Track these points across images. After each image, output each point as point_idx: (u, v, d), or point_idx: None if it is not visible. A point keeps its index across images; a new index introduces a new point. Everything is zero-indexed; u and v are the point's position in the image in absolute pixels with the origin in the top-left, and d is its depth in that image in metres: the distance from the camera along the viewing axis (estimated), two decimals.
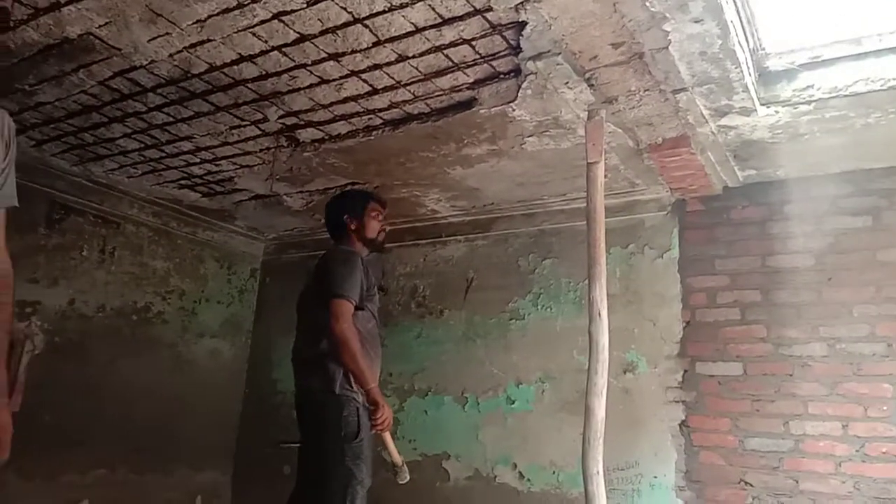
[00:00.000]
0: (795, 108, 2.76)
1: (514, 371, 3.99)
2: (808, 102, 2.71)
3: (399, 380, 4.35)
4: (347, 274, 2.86)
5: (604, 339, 2.32)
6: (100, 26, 2.47)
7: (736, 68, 2.44)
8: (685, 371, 3.44)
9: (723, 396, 3.32)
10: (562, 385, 3.77)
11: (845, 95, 2.64)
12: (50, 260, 4.03)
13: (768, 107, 2.76)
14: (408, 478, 2.91)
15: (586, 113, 2.69)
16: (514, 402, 3.94)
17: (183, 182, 4.16)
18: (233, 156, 3.66)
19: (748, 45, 2.55)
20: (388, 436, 2.87)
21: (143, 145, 3.59)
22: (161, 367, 4.59)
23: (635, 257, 3.75)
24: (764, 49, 2.70)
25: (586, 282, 2.52)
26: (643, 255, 3.73)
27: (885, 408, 2.98)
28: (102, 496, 4.14)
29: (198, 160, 3.76)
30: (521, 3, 2.13)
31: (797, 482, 3.08)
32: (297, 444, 2.98)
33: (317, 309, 2.91)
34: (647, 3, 2.07)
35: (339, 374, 2.80)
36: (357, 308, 2.85)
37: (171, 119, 3.24)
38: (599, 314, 2.33)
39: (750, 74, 2.59)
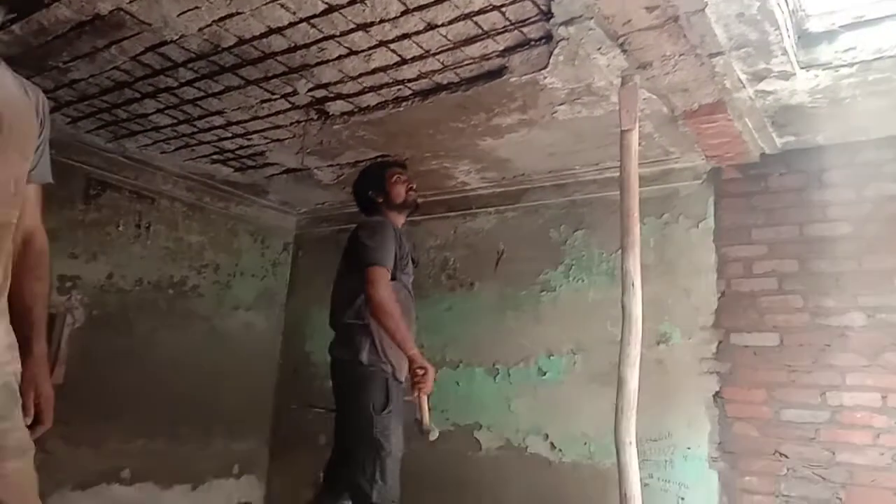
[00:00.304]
0: (837, 71, 2.67)
1: (545, 343, 3.98)
2: (851, 65, 2.62)
3: (430, 352, 4.35)
4: (379, 243, 2.89)
5: (637, 310, 2.30)
6: (130, 2, 2.48)
7: (775, 30, 2.37)
8: (720, 342, 3.40)
9: (758, 367, 3.27)
10: (593, 357, 3.76)
11: (890, 56, 2.55)
12: (88, 235, 4.11)
13: (808, 70, 2.67)
14: (437, 434, 2.89)
15: (619, 79, 2.63)
16: (545, 374, 3.94)
17: (215, 157, 4.20)
18: (264, 130, 3.68)
19: (787, 6, 2.47)
20: (424, 398, 2.88)
21: (175, 121, 3.63)
22: (197, 339, 4.68)
23: (669, 227, 3.69)
24: (804, 10, 2.61)
25: (618, 253, 2.49)
26: (678, 225, 3.67)
27: None
28: (144, 464, 4.27)
29: (229, 135, 3.79)
30: None
31: (833, 454, 3.04)
32: (325, 410, 3.03)
33: (345, 280, 2.93)
34: None
35: (366, 344, 2.82)
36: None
37: (201, 94, 3.26)
38: (633, 284, 2.31)
39: (789, 37, 2.51)
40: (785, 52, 2.52)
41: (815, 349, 3.16)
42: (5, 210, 1.57)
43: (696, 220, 3.61)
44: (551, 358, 3.93)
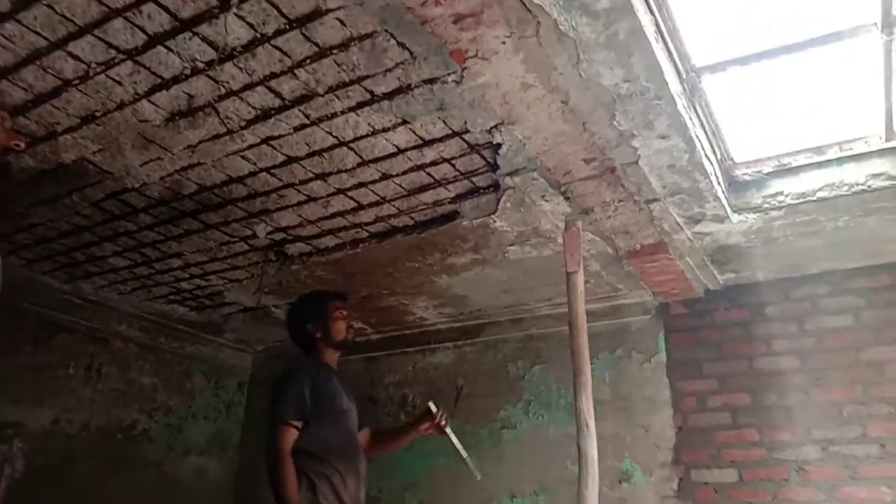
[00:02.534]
0: (767, 214, 2.85)
1: (507, 483, 3.88)
2: (779, 208, 2.81)
3: (389, 496, 4.22)
4: (283, 398, 2.72)
5: (593, 451, 2.28)
6: (94, 152, 2.58)
7: (705, 179, 2.55)
8: (680, 479, 3.37)
9: None
10: (557, 498, 3.67)
11: (813, 201, 2.74)
12: (35, 379, 3.97)
13: (740, 213, 2.86)
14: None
15: (564, 223, 2.77)
16: None
17: (172, 297, 4.19)
18: (222, 270, 3.72)
19: (715, 157, 2.67)
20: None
21: (133, 263, 3.65)
22: (146, 487, 4.44)
23: (623, 362, 3.74)
24: (732, 159, 2.83)
25: None
26: (631, 360, 3.72)
27: None
28: None
29: (187, 276, 3.82)
30: (496, 125, 2.26)
31: None
32: None
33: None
34: (615, 122, 2.19)
35: (309, 494, 2.61)
36: (306, 424, 2.71)
37: (161, 237, 3.32)
38: (587, 425, 2.31)
39: (719, 184, 2.70)
40: (717, 198, 2.70)
41: (775, 484, 3.15)
42: None
43: (648, 355, 3.67)
44: (514, 500, 3.82)
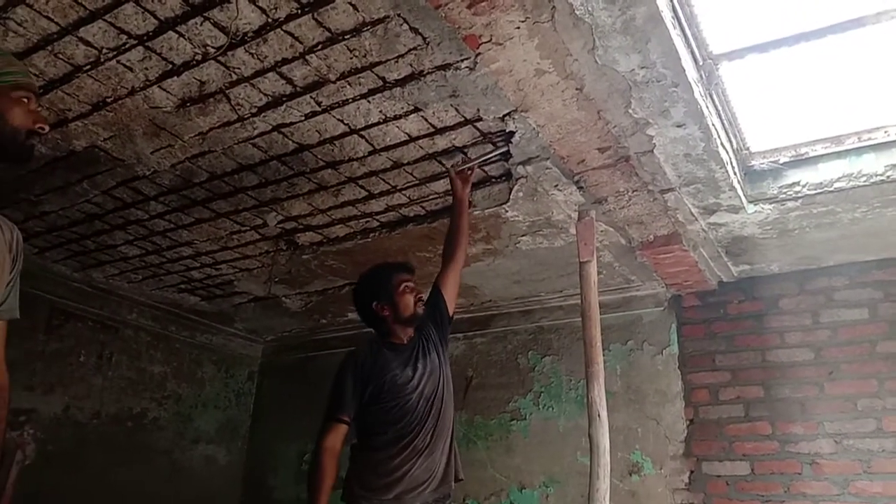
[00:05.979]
0: (783, 205, 2.81)
1: (516, 474, 3.87)
2: (795, 199, 2.77)
3: None
4: (332, 391, 2.57)
5: (605, 442, 2.26)
6: (105, 139, 2.58)
7: (721, 168, 2.51)
8: (691, 472, 3.35)
9: (731, 498, 3.21)
10: (567, 489, 3.66)
11: (830, 191, 2.70)
12: (47, 366, 4.00)
13: (756, 204, 2.82)
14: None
15: (577, 213, 2.74)
16: None
17: (183, 286, 4.20)
18: (232, 260, 3.71)
19: (732, 146, 2.64)
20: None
21: (144, 251, 3.65)
22: (156, 475, 4.47)
23: (635, 354, 3.72)
24: (748, 149, 2.78)
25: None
26: (643, 352, 3.70)
27: None
28: None
29: (198, 265, 3.81)
30: (509, 113, 2.23)
31: None
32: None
33: None
34: (630, 111, 2.16)
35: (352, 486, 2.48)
36: (361, 410, 2.53)
37: (172, 226, 3.31)
38: (599, 415, 2.29)
39: (735, 174, 2.66)
40: (732, 188, 2.66)
41: (787, 478, 3.12)
42: None
43: (660, 347, 3.64)
44: (523, 491, 3.81)
